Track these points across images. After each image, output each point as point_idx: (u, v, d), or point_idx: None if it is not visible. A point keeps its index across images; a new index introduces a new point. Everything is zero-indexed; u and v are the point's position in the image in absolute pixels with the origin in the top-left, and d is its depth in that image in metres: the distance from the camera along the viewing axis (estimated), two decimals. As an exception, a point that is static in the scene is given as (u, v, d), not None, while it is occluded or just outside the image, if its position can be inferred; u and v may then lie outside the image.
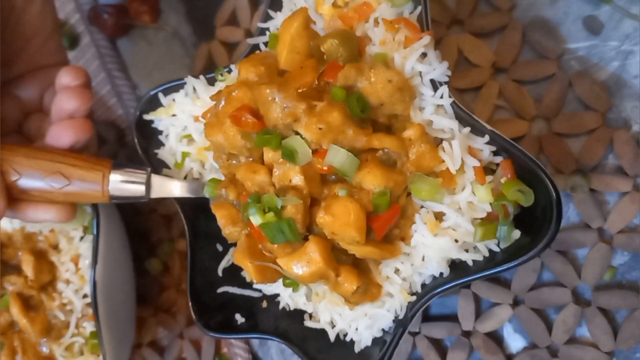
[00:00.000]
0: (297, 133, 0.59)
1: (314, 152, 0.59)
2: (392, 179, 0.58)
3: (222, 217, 0.66)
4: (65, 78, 0.66)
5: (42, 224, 0.86)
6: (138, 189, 0.66)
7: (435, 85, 0.60)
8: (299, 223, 0.59)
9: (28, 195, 0.64)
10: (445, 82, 0.60)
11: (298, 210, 0.59)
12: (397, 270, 0.63)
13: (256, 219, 0.60)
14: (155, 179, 0.68)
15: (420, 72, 0.60)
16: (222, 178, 0.68)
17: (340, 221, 0.57)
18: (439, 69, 0.59)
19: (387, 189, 0.58)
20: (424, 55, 0.60)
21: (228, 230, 0.66)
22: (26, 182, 0.63)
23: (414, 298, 0.63)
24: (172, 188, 0.69)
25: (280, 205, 0.59)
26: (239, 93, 0.62)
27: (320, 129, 0.57)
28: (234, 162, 0.65)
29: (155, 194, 0.68)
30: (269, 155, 0.61)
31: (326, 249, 0.60)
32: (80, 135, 0.65)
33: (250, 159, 0.64)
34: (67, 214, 0.66)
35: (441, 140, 0.60)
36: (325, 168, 0.59)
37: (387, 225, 0.60)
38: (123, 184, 0.65)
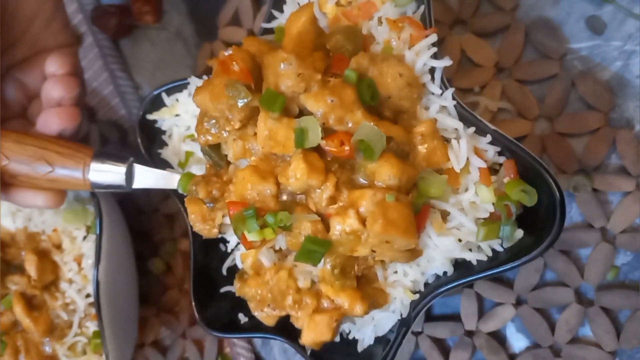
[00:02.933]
0: (300, 113, 0.58)
1: (325, 135, 0.57)
2: (406, 172, 0.57)
3: (192, 213, 0.66)
4: (51, 66, 0.66)
5: (44, 223, 0.87)
6: (118, 178, 0.66)
7: (444, 84, 0.60)
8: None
9: (17, 180, 0.65)
10: (448, 80, 0.60)
11: (315, 225, 0.57)
12: (404, 273, 0.63)
13: (253, 236, 0.59)
14: (138, 169, 0.67)
15: (430, 69, 0.60)
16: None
17: (400, 228, 0.55)
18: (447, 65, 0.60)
19: (401, 180, 0.57)
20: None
21: (198, 227, 0.66)
22: (14, 167, 0.64)
23: (417, 296, 0.63)
24: (155, 179, 0.68)
25: (288, 223, 0.58)
26: (233, 53, 0.61)
27: (331, 101, 0.56)
28: (214, 130, 0.64)
29: (137, 184, 0.67)
30: (267, 125, 0.58)
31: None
32: (67, 123, 0.66)
33: (230, 116, 0.60)
34: (55, 200, 0.67)
35: (447, 139, 0.61)
36: (347, 148, 0.56)
37: (422, 226, 0.59)
38: (103, 172, 0.66)
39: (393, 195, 0.56)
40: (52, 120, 0.66)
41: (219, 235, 0.68)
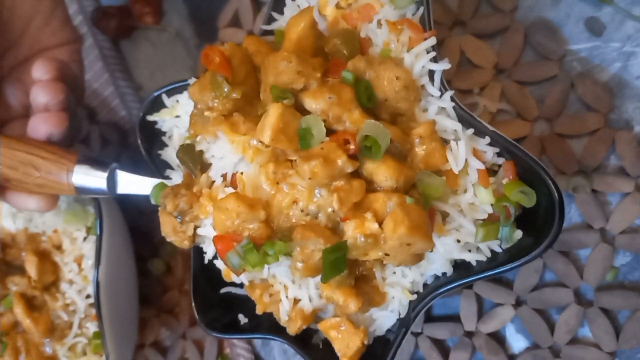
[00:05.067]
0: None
1: (329, 133, 0.57)
2: (403, 173, 0.57)
3: (164, 223, 0.65)
4: (37, 72, 0.66)
5: (45, 224, 0.87)
6: (100, 184, 0.67)
7: (444, 85, 0.60)
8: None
9: (10, 183, 0.66)
10: (448, 81, 0.60)
11: (326, 237, 0.56)
12: (403, 273, 0.63)
13: (258, 269, 0.58)
14: (122, 175, 0.68)
15: (429, 72, 0.60)
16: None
17: (422, 231, 0.55)
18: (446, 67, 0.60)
19: (398, 182, 0.57)
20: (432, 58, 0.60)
21: (170, 238, 0.66)
22: (5, 171, 0.65)
23: (414, 297, 0.63)
24: (137, 185, 0.68)
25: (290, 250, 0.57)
26: (228, 46, 0.61)
27: (330, 98, 0.56)
28: (200, 121, 0.64)
29: (121, 190, 0.68)
30: (284, 117, 0.56)
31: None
32: (53, 128, 0.66)
33: (211, 105, 0.60)
34: (47, 204, 0.68)
35: (445, 140, 0.61)
36: (352, 147, 0.56)
37: (432, 229, 0.58)
38: (86, 177, 0.66)
39: (412, 198, 0.56)
40: (39, 126, 0.66)
41: (200, 245, 0.68)
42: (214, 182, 0.64)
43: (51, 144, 0.67)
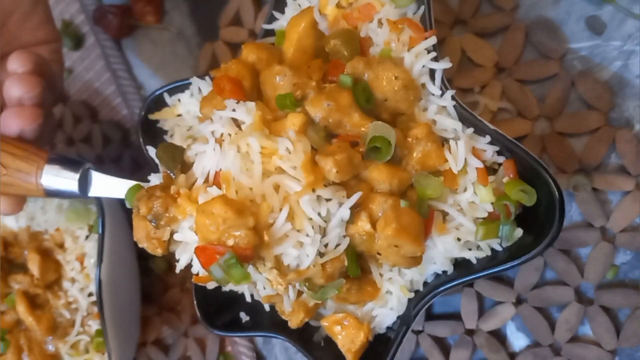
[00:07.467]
0: None
1: (332, 137, 0.58)
2: (396, 176, 0.58)
3: (137, 228, 0.60)
4: (13, 64, 0.64)
5: (47, 222, 0.87)
6: (71, 185, 0.63)
7: (445, 84, 0.61)
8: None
9: None
10: (449, 80, 0.61)
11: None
12: (400, 271, 0.63)
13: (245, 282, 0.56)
14: (96, 176, 0.64)
15: (429, 71, 0.60)
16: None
17: (411, 235, 0.55)
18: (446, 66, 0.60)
19: (391, 185, 0.58)
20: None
21: (143, 244, 0.61)
22: None
23: (412, 295, 0.64)
24: (112, 187, 0.64)
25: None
26: (233, 65, 0.61)
27: (327, 105, 0.57)
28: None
29: (94, 192, 0.64)
30: (299, 121, 0.57)
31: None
32: (25, 124, 0.63)
33: None
34: (12, 206, 0.65)
35: (445, 139, 0.61)
36: (362, 150, 0.57)
37: (429, 232, 0.59)
38: (57, 178, 0.63)
39: (407, 201, 0.57)
40: (11, 120, 0.63)
41: (174, 251, 0.62)
42: (194, 182, 0.60)
43: (23, 141, 0.63)
